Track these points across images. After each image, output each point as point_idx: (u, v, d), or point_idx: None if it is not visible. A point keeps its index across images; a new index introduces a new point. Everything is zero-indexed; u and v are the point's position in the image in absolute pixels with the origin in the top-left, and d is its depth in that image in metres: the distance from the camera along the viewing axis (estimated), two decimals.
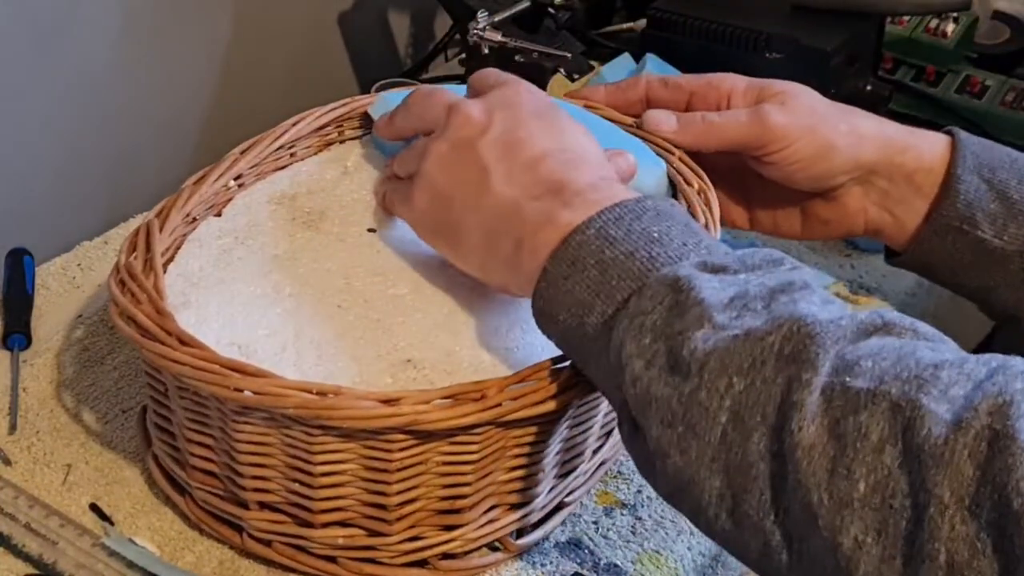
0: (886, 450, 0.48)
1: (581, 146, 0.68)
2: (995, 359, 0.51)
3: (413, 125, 0.76)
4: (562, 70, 1.09)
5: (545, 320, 0.62)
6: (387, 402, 0.61)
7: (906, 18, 1.19)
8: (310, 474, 0.64)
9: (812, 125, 0.79)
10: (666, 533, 0.73)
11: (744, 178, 0.84)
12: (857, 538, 0.48)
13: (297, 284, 0.72)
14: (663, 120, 0.81)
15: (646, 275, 0.58)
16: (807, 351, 0.51)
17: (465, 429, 0.63)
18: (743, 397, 0.52)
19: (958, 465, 0.46)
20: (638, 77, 0.85)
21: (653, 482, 0.58)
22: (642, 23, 1.15)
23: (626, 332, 0.56)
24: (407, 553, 0.67)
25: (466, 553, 0.69)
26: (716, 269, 0.57)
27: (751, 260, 0.58)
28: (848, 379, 0.50)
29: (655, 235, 0.59)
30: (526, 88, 0.71)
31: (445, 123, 0.69)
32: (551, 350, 0.67)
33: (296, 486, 0.66)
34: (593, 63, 1.14)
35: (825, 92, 1.04)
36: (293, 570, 0.69)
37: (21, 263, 0.89)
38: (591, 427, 0.71)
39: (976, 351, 0.53)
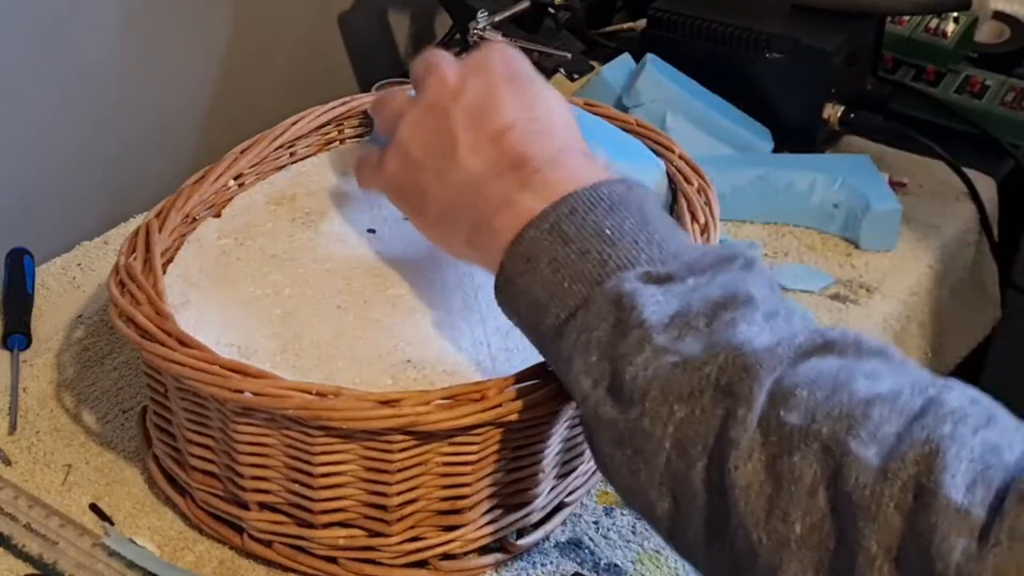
0: (819, 493, 0.48)
1: (551, 114, 0.67)
2: (933, 386, 0.50)
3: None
4: (562, 70, 1.09)
5: (507, 311, 0.62)
6: (387, 403, 0.61)
7: (906, 18, 1.19)
8: (310, 475, 0.64)
9: None
10: None
11: None
12: None
13: (297, 285, 0.72)
14: None
15: (596, 281, 0.57)
16: (742, 384, 0.51)
17: (465, 430, 0.63)
18: (684, 426, 0.52)
19: (885, 517, 0.46)
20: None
21: (613, 487, 0.58)
22: (642, 23, 1.15)
23: (574, 347, 0.56)
24: (407, 554, 0.67)
25: (466, 553, 0.69)
26: (661, 279, 0.57)
27: (700, 263, 0.58)
28: (782, 412, 0.50)
29: (607, 232, 0.58)
30: (501, 51, 0.70)
31: (423, 84, 0.68)
32: None
33: (296, 487, 0.66)
34: (593, 63, 1.14)
35: (825, 92, 1.05)
36: (293, 571, 0.69)
37: (21, 263, 0.89)
38: None
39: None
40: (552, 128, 0.66)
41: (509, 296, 0.61)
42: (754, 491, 0.49)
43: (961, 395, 0.50)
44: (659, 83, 1.04)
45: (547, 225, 0.60)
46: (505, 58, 0.69)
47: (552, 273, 0.58)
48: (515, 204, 0.62)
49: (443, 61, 0.69)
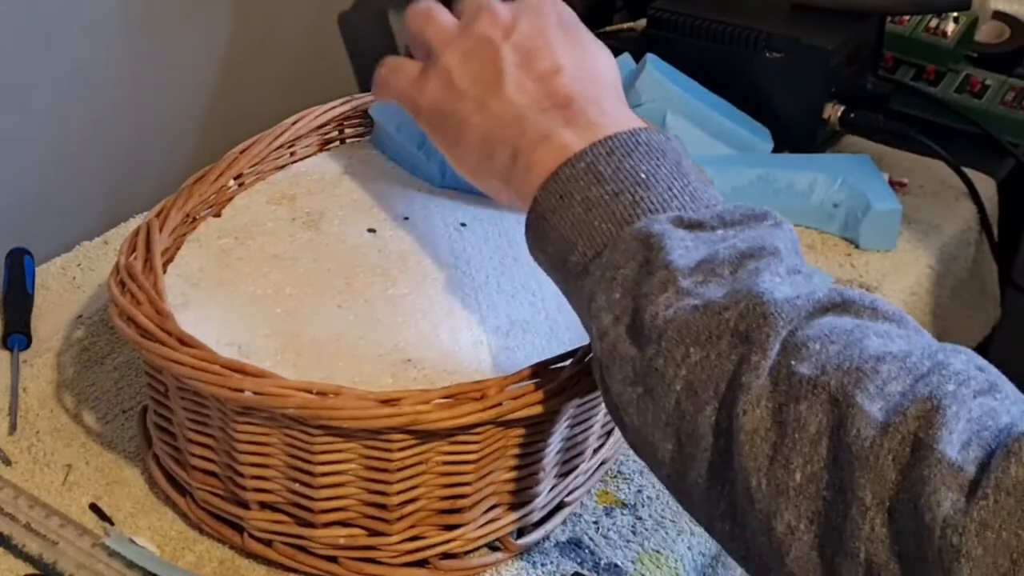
0: (822, 442, 0.48)
1: (598, 64, 0.68)
2: (942, 351, 0.51)
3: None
4: None
5: (534, 248, 0.63)
6: (387, 402, 0.61)
7: (906, 18, 1.19)
8: (311, 474, 0.64)
9: None
10: (666, 533, 0.73)
11: None
12: (790, 524, 0.49)
13: (297, 284, 0.72)
14: None
15: (626, 221, 0.58)
16: (759, 331, 0.51)
17: (465, 429, 0.63)
18: (698, 369, 0.52)
19: (881, 468, 0.46)
20: None
21: (619, 428, 0.58)
22: (642, 23, 1.15)
23: (597, 284, 0.57)
24: (408, 553, 0.67)
25: (466, 553, 0.69)
26: (692, 225, 0.57)
27: (731, 215, 0.58)
28: (794, 362, 0.50)
29: (642, 176, 0.59)
30: (553, 1, 0.71)
31: (473, 18, 0.68)
32: (551, 350, 0.67)
33: (297, 486, 0.66)
34: None
35: (825, 92, 1.05)
36: (294, 570, 0.69)
37: (21, 263, 0.89)
38: (591, 426, 0.71)
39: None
40: (598, 77, 0.67)
41: (539, 233, 0.61)
42: (759, 437, 0.50)
43: (968, 360, 0.50)
44: (659, 83, 1.04)
45: (583, 164, 0.60)
46: (557, 7, 0.70)
47: (584, 211, 0.59)
48: (555, 140, 0.62)
49: (493, 1, 0.69)
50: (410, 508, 0.66)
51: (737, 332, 0.52)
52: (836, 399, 0.49)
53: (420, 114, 0.70)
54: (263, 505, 0.68)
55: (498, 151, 0.64)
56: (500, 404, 0.62)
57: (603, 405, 0.70)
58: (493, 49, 0.67)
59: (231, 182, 0.79)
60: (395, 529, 0.66)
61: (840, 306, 0.53)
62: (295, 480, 0.65)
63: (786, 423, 0.49)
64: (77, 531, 0.70)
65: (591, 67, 0.67)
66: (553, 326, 0.71)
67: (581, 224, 0.59)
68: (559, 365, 0.64)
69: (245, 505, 0.68)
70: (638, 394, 0.55)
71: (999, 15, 1.23)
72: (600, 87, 0.66)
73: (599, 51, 0.69)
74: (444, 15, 0.71)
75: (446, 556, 0.68)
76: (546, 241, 0.61)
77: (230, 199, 0.79)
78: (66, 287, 0.92)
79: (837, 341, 0.51)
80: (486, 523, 0.68)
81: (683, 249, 0.56)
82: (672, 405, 0.53)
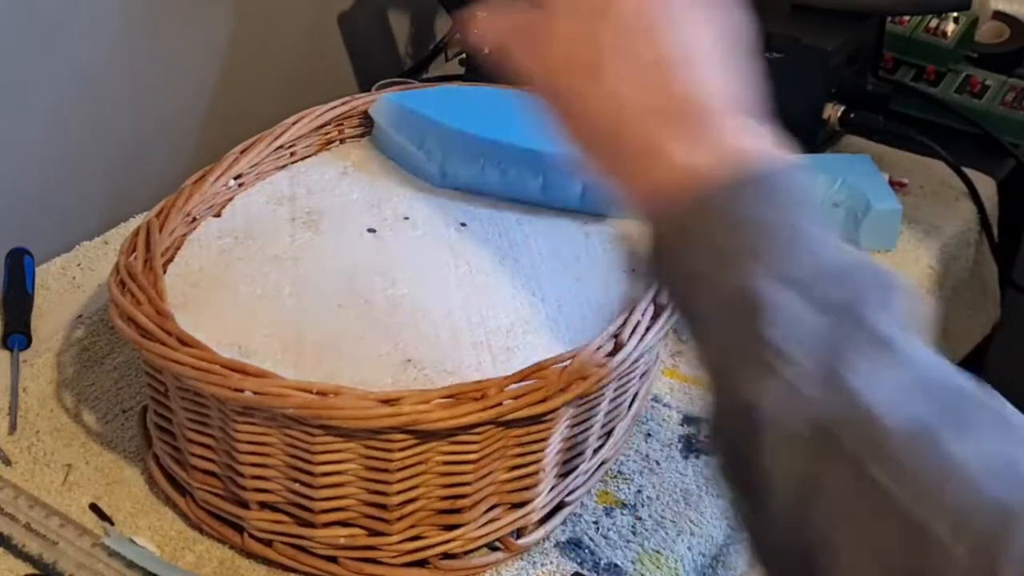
0: None
1: (710, 52, 0.57)
2: None
3: None
4: None
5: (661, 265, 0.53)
6: (387, 402, 0.61)
7: (906, 18, 1.19)
8: (311, 474, 0.64)
9: None
10: (666, 533, 0.73)
11: None
12: None
13: (297, 284, 0.72)
14: None
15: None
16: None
17: (465, 429, 0.63)
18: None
19: None
20: None
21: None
22: None
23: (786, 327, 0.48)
24: (408, 553, 0.67)
25: (466, 553, 0.69)
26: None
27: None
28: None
29: (794, 234, 0.50)
30: None
31: None
32: (551, 350, 0.67)
33: (297, 486, 0.66)
34: None
35: (825, 92, 1.05)
36: (294, 570, 0.69)
37: (21, 263, 0.89)
38: (591, 427, 0.71)
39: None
40: (712, 68, 0.56)
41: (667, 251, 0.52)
42: None
43: None
44: None
45: (717, 203, 0.51)
46: None
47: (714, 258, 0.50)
48: (671, 156, 0.52)
49: None
50: (410, 508, 0.66)
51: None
52: None
53: (542, 75, 0.57)
54: (263, 505, 0.68)
55: (601, 143, 0.55)
56: (500, 404, 0.62)
57: (603, 405, 0.71)
58: (590, 22, 0.55)
59: (231, 182, 0.79)
60: (395, 529, 0.66)
61: None
62: (295, 480, 0.65)
63: None
64: (77, 531, 0.70)
65: (704, 55, 0.56)
66: (553, 326, 0.71)
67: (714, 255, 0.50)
68: (559, 365, 0.64)
69: (245, 505, 0.68)
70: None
71: (999, 15, 1.23)
72: (716, 84, 0.55)
73: (711, 34, 0.58)
74: None
75: (446, 556, 0.68)
76: (678, 267, 0.52)
77: (230, 199, 0.79)
78: (66, 287, 0.92)
79: None
80: (486, 523, 0.68)
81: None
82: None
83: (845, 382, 0.46)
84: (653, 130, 0.53)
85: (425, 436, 0.63)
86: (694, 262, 0.51)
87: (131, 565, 0.68)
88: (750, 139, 0.54)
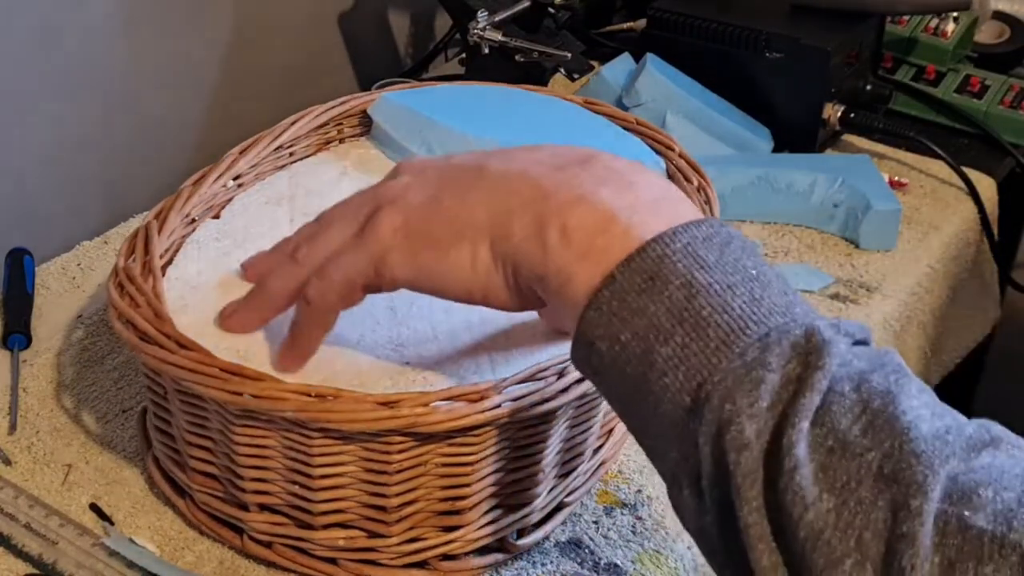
0: None
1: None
2: None
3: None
4: (562, 70, 1.09)
5: (592, 335, 0.51)
6: (386, 404, 0.60)
7: (906, 18, 1.19)
8: (310, 476, 0.64)
9: None
10: (666, 533, 0.73)
11: None
12: None
13: None
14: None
15: (755, 321, 0.48)
16: (912, 472, 0.44)
17: (464, 430, 0.63)
18: (831, 517, 0.45)
19: None
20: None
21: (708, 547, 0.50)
22: (642, 23, 1.15)
23: (737, 384, 0.47)
24: (407, 554, 0.67)
25: (466, 554, 0.69)
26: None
27: (847, 327, 0.50)
28: (967, 512, 0.43)
29: (752, 272, 0.50)
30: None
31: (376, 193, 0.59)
32: (550, 351, 0.67)
33: (296, 488, 0.66)
34: (593, 63, 1.14)
35: (825, 92, 1.05)
36: (293, 572, 0.69)
37: (21, 263, 0.90)
38: (591, 427, 0.71)
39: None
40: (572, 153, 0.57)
41: (611, 315, 0.50)
42: None
43: None
44: (659, 83, 1.04)
45: (679, 244, 0.50)
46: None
47: (686, 299, 0.49)
48: (593, 197, 0.53)
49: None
50: (409, 510, 0.66)
51: (882, 475, 0.44)
52: None
53: (392, 250, 0.58)
54: (262, 507, 0.68)
55: (514, 222, 0.54)
56: (499, 406, 0.62)
57: (603, 405, 0.71)
58: (436, 168, 0.59)
59: (230, 182, 0.79)
60: (394, 531, 0.66)
61: (991, 444, 0.46)
62: (294, 482, 0.65)
63: None
64: (77, 531, 0.70)
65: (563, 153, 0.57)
66: (552, 329, 0.71)
67: (682, 311, 0.49)
68: (558, 366, 0.64)
69: (244, 507, 0.68)
70: (769, 531, 0.46)
71: (999, 15, 1.23)
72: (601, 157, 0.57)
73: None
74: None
75: (446, 557, 0.68)
76: (621, 327, 0.50)
77: (229, 200, 0.79)
78: (66, 287, 0.92)
79: (1010, 487, 0.44)
80: (486, 524, 0.68)
81: (847, 367, 0.48)
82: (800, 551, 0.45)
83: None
84: (572, 178, 0.54)
85: (424, 438, 0.63)
86: (669, 298, 0.49)
87: (131, 565, 0.68)
88: (660, 187, 0.54)
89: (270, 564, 0.69)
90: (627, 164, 0.56)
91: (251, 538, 0.69)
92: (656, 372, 0.49)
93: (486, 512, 0.68)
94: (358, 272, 0.58)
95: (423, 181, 0.58)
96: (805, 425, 0.46)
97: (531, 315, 0.72)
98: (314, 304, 0.61)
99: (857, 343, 0.50)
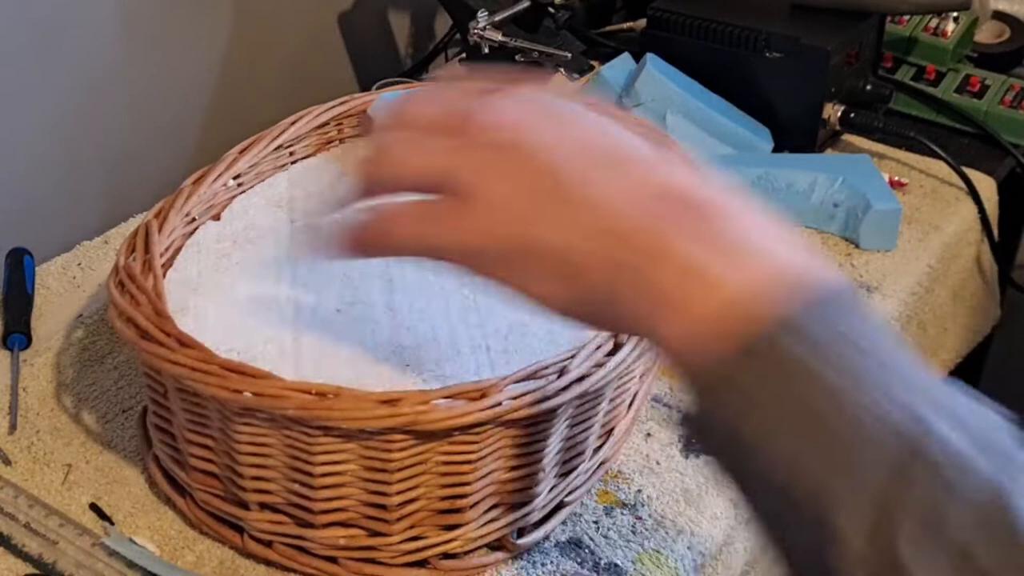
0: None
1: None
2: None
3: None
4: (562, 70, 1.09)
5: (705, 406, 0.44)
6: (386, 402, 0.60)
7: (906, 18, 1.19)
8: (310, 475, 0.64)
9: None
10: (666, 533, 0.73)
11: None
12: None
13: (296, 288, 0.72)
14: None
15: (907, 446, 0.39)
16: None
17: (465, 429, 0.63)
18: None
19: None
20: None
21: None
22: (642, 23, 1.15)
23: (912, 539, 0.38)
24: (408, 553, 0.67)
25: (466, 553, 0.69)
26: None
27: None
28: None
29: (884, 359, 0.41)
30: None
31: (465, 121, 0.48)
32: (550, 350, 0.67)
33: (296, 487, 0.66)
34: (593, 63, 1.14)
35: (825, 92, 1.05)
36: (294, 570, 0.69)
37: (21, 263, 0.90)
38: (591, 427, 0.71)
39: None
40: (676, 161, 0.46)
41: (716, 393, 0.43)
42: None
43: None
44: (659, 83, 1.04)
45: (792, 339, 0.40)
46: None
47: (815, 424, 0.40)
48: (702, 274, 0.42)
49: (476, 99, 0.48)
50: (410, 508, 0.66)
51: None
52: None
53: (477, 257, 0.51)
54: (263, 506, 0.68)
55: (592, 275, 0.45)
56: (499, 404, 0.62)
57: (603, 405, 0.71)
58: (516, 150, 0.46)
59: (230, 182, 0.79)
60: (395, 529, 0.66)
61: None
62: (295, 481, 0.65)
63: None
64: (77, 531, 0.70)
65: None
66: (551, 328, 0.71)
67: (812, 436, 0.40)
68: (559, 365, 0.64)
69: (245, 506, 0.68)
70: None
71: (999, 15, 1.23)
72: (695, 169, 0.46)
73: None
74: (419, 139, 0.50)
75: (446, 556, 0.68)
76: (728, 407, 0.43)
77: (229, 200, 0.79)
78: (66, 287, 0.92)
79: None
80: (486, 523, 0.68)
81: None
82: None
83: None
84: (668, 237, 0.43)
85: (424, 436, 0.63)
86: (793, 425, 0.40)
87: (131, 565, 0.68)
88: (783, 247, 0.43)
89: (270, 563, 0.69)
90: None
91: (251, 537, 0.69)
92: (793, 498, 0.41)
93: (486, 511, 0.68)
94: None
95: (494, 193, 0.48)
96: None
97: (530, 315, 0.72)
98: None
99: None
